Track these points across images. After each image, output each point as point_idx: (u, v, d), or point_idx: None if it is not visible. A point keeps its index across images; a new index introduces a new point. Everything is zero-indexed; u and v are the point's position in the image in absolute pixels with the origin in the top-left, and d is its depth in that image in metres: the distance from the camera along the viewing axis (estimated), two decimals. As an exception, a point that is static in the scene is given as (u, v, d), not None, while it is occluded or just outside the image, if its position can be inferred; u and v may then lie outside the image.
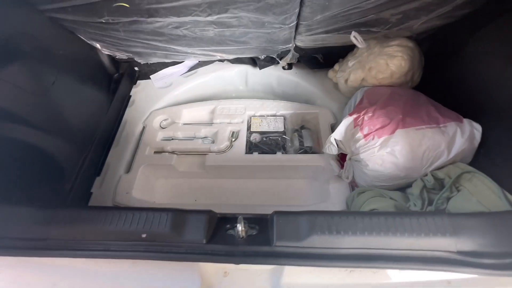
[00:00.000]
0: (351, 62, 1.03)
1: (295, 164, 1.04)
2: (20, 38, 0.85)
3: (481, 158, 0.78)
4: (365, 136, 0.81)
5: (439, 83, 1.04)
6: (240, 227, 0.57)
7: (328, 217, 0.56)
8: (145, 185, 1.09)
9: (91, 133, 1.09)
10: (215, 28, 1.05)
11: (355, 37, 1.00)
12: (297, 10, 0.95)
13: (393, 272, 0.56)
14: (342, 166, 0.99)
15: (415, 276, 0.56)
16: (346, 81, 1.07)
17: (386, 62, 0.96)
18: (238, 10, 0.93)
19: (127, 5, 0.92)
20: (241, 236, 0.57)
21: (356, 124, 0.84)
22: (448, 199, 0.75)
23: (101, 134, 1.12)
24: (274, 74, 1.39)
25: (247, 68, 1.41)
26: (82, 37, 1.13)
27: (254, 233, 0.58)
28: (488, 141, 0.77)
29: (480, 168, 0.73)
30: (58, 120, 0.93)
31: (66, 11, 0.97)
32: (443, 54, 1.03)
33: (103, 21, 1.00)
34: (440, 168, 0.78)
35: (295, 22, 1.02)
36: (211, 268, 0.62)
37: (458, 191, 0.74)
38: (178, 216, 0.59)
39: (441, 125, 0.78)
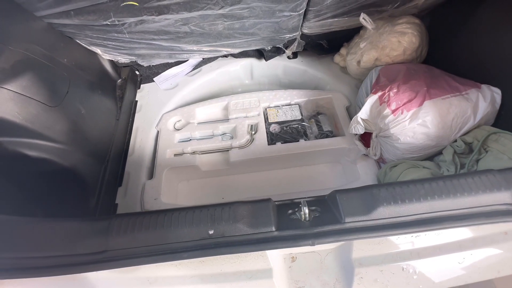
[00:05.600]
0: (362, 43, 1.06)
1: (320, 149, 1.06)
2: (25, 47, 0.79)
3: (502, 119, 0.84)
4: (393, 111, 0.84)
5: (444, 56, 1.09)
6: (306, 209, 0.57)
7: (391, 188, 0.57)
8: (171, 189, 1.06)
9: (107, 143, 1.03)
10: (225, 21, 1.03)
11: (364, 19, 1.02)
12: (308, -4, 0.96)
13: (454, 231, 0.59)
14: (365, 145, 1.02)
15: (476, 232, 0.60)
16: (358, 63, 1.10)
17: (398, 39, 0.99)
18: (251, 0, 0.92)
19: (136, 3, 0.88)
20: (307, 219, 0.57)
21: (382, 101, 0.87)
22: (477, 161, 0.80)
23: (115, 143, 1.07)
24: (280, 65, 1.39)
25: (251, 61, 1.40)
26: (81, 43, 1.07)
27: (317, 215, 0.59)
28: (506, 102, 0.83)
29: (503, 128, 0.79)
30: (76, 131, 0.87)
31: (68, 15, 0.91)
32: (446, 29, 1.09)
33: (108, 23, 0.95)
34: (467, 133, 0.83)
35: (305, 8, 1.03)
36: (279, 255, 0.61)
37: (487, 152, 0.78)
38: (242, 208, 0.58)
39: (463, 93, 0.83)
